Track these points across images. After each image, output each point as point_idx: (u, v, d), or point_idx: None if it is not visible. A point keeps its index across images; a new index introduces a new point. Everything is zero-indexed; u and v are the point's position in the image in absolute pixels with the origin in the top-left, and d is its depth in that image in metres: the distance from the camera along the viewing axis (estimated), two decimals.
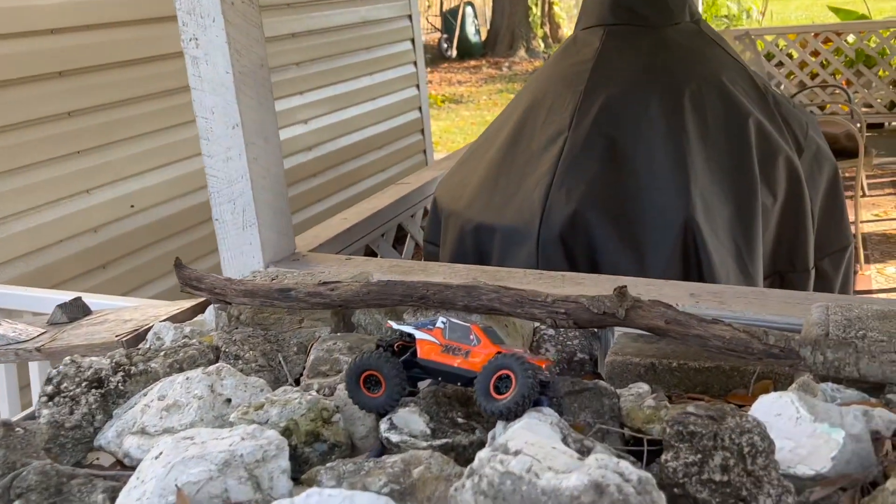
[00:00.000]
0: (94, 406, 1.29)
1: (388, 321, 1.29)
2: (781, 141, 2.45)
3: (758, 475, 1.00)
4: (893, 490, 0.94)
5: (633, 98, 2.43)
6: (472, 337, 1.21)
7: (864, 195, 5.76)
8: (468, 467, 0.94)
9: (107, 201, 3.66)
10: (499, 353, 1.18)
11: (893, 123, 7.84)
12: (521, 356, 1.14)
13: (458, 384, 1.23)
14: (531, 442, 0.96)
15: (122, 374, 1.35)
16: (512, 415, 1.11)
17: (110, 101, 3.68)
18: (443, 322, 1.22)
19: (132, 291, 3.72)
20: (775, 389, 1.26)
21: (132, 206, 3.79)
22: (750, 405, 1.17)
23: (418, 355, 1.22)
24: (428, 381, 1.31)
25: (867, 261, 4.87)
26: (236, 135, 2.17)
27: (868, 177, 6.01)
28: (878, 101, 7.76)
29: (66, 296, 1.91)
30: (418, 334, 1.23)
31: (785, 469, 1.04)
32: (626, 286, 1.35)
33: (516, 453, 0.92)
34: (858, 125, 4.99)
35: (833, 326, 1.33)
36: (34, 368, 2.08)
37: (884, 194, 6.15)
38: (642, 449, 1.18)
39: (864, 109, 6.66)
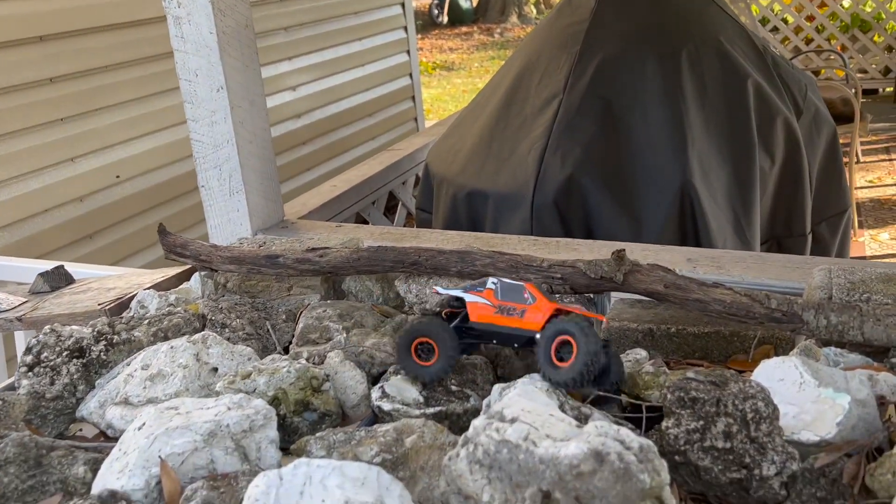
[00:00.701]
0: (75, 376, 1.25)
1: (435, 287, 1.22)
2: (780, 103, 2.40)
3: (761, 442, 0.97)
4: None
5: (630, 59, 2.37)
6: (526, 296, 1.14)
7: (858, 162, 5.73)
8: (462, 436, 0.91)
9: (92, 170, 3.59)
10: (557, 310, 1.13)
11: (888, 89, 7.79)
12: (582, 318, 1.08)
13: (515, 346, 1.17)
14: (528, 409, 0.92)
15: (104, 343, 1.30)
16: (577, 384, 1.06)
17: (93, 67, 3.58)
18: (493, 283, 1.16)
19: (119, 262, 3.66)
20: (776, 355, 1.23)
21: (118, 177, 3.71)
22: (750, 371, 1.14)
23: (471, 319, 1.16)
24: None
25: (861, 227, 4.85)
26: (221, 97, 2.10)
27: (862, 143, 5.97)
28: (874, 66, 7.70)
29: (50, 265, 1.86)
30: (469, 297, 1.16)
31: (789, 435, 1.01)
32: (624, 249, 1.31)
33: (513, 421, 0.88)
34: (854, 90, 4.94)
35: (836, 289, 1.30)
36: (20, 339, 2.04)
37: (878, 160, 6.12)
38: (641, 416, 1.15)
39: (858, 75, 6.59)
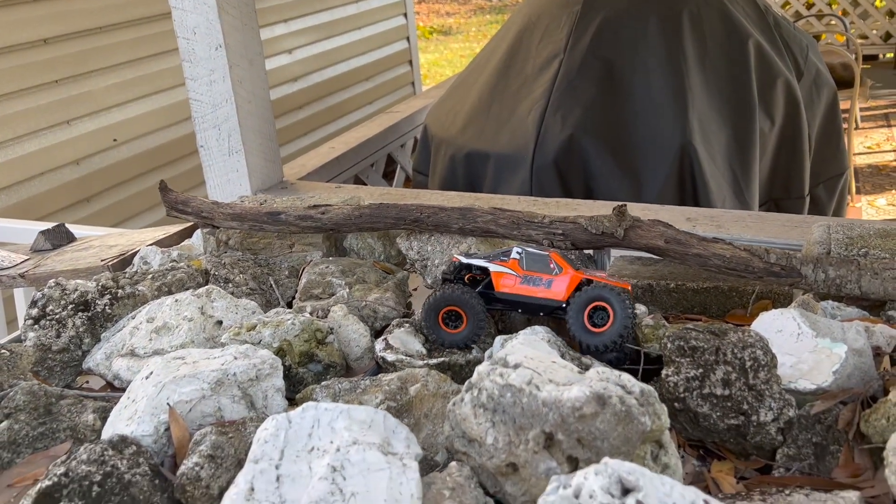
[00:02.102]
0: (81, 329, 1.26)
1: (455, 255, 1.22)
2: (781, 64, 2.39)
3: (759, 389, 0.99)
4: None
5: (631, 19, 2.35)
6: (552, 265, 1.15)
7: (857, 127, 5.72)
8: (467, 382, 0.92)
9: (88, 133, 3.56)
10: (584, 279, 1.13)
11: (888, 55, 7.74)
12: (615, 287, 1.09)
13: (541, 314, 1.18)
14: (531, 356, 0.94)
15: (108, 297, 1.31)
16: (612, 349, 1.08)
17: (87, 28, 3.54)
18: (518, 253, 1.16)
19: (117, 225, 3.65)
20: (772, 309, 1.24)
21: (115, 140, 3.69)
22: (748, 325, 1.15)
23: (496, 289, 1.17)
24: None
25: (858, 193, 4.86)
26: (219, 56, 2.09)
27: (861, 109, 5.96)
28: (874, 32, 7.63)
29: (50, 226, 1.86)
30: (493, 267, 1.17)
31: (786, 384, 1.03)
32: (625, 205, 1.31)
33: (516, 366, 0.90)
34: (854, 56, 4.91)
35: (835, 245, 1.31)
36: (20, 299, 2.04)
37: (877, 126, 6.10)
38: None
39: (859, 41, 6.54)
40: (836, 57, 4.83)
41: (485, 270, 1.19)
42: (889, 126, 6.09)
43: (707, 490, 0.94)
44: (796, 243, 1.60)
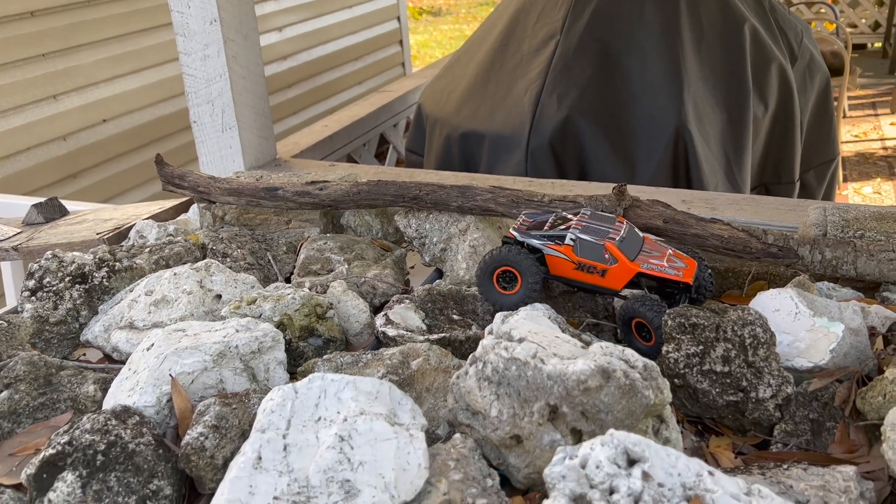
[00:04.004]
0: (78, 301, 1.25)
1: (511, 230, 1.20)
2: (776, 49, 2.40)
3: (758, 366, 1.00)
4: (893, 379, 0.95)
5: (628, 1, 2.34)
6: (607, 256, 1.13)
7: (845, 116, 5.76)
8: (471, 355, 0.93)
9: (76, 108, 3.52)
10: (639, 274, 1.12)
11: (876, 44, 7.78)
12: (650, 303, 1.09)
13: (597, 296, 1.20)
14: (534, 331, 0.94)
15: (106, 269, 1.30)
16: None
17: (76, 1, 3.48)
18: (572, 240, 1.14)
19: (105, 202, 3.62)
20: (768, 290, 1.25)
21: (104, 121, 3.65)
22: (744, 304, 1.17)
23: (551, 272, 1.16)
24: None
25: (845, 181, 4.90)
26: (214, 31, 2.06)
27: (849, 98, 6.00)
28: (864, 21, 7.67)
29: (39, 201, 1.83)
30: (547, 250, 1.15)
31: (783, 362, 1.04)
32: (625, 184, 1.32)
33: (521, 340, 0.91)
34: (843, 44, 4.93)
35: (831, 227, 1.32)
36: (7, 272, 2.02)
37: (864, 115, 6.15)
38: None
39: (848, 29, 6.57)
40: (826, 45, 4.86)
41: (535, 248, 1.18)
42: (876, 115, 6.14)
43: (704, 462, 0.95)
44: (790, 226, 1.62)
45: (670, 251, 1.16)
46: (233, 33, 2.10)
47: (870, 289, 1.28)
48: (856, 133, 5.80)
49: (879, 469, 0.91)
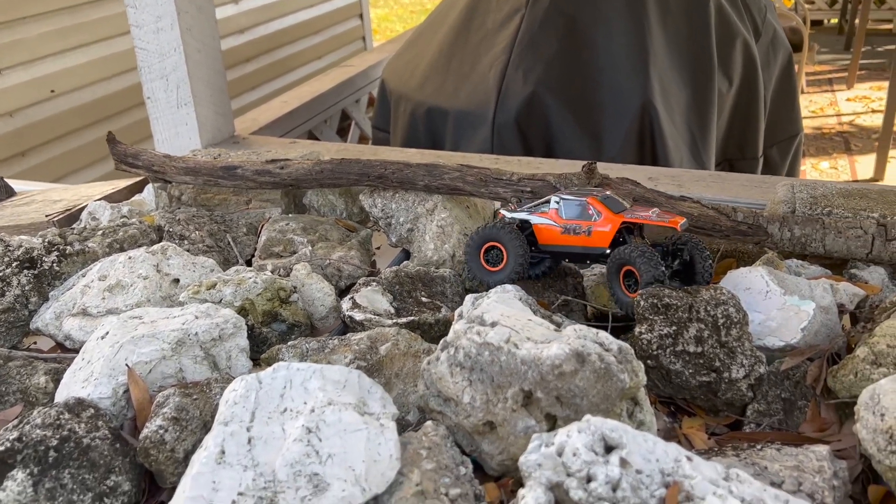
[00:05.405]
0: (26, 287, 1.19)
1: (501, 210, 1.19)
2: (740, 24, 2.39)
3: (731, 346, 0.99)
4: (864, 357, 0.95)
5: None
6: (591, 212, 1.12)
7: (802, 92, 5.83)
8: (442, 340, 0.90)
9: (22, 83, 3.37)
10: (624, 223, 1.09)
11: (833, 20, 7.89)
12: (642, 248, 1.05)
13: (588, 262, 1.16)
14: (507, 314, 0.92)
15: (56, 253, 1.24)
16: None
17: None
18: (556, 202, 1.13)
19: (56, 181, 3.49)
20: (737, 269, 1.25)
21: (52, 91, 3.50)
22: (714, 283, 1.16)
23: (539, 242, 1.14)
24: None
25: (803, 156, 4.97)
26: (167, 2, 1.98)
27: (806, 74, 6.07)
28: None
29: None
30: (534, 219, 1.14)
31: (755, 341, 1.04)
32: (594, 163, 1.30)
33: (493, 325, 0.88)
34: (802, 20, 4.98)
35: (800, 204, 1.32)
36: None
37: (820, 91, 6.24)
38: (606, 325, 1.16)
39: (806, 6, 6.64)
40: (785, 21, 4.89)
41: (527, 223, 1.16)
42: (833, 91, 6.24)
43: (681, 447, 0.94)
44: (757, 203, 1.62)
45: (657, 209, 1.16)
46: (186, 4, 2.01)
47: (837, 266, 1.28)
48: (813, 109, 5.89)
49: (851, 447, 0.91)
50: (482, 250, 1.17)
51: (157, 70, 2.08)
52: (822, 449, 0.85)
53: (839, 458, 0.86)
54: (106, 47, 3.70)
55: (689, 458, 0.72)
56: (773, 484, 0.80)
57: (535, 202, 1.17)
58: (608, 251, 1.11)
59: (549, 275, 1.24)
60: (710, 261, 1.11)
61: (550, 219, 1.14)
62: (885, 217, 1.26)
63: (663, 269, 1.04)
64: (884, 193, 1.35)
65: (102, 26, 3.66)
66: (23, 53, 3.38)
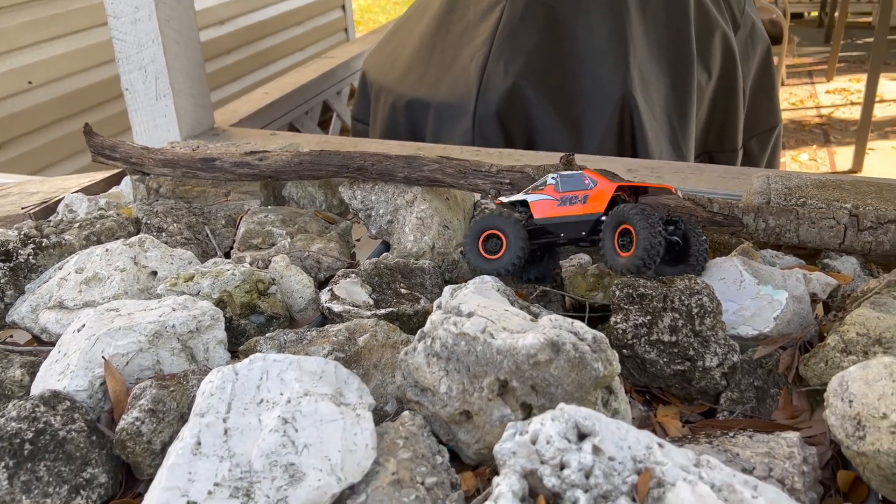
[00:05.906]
0: (2, 280, 1.18)
1: (499, 198, 1.19)
2: (719, 16, 2.41)
3: (705, 335, 1.00)
4: (834, 345, 0.96)
5: None
6: (587, 181, 1.12)
7: (782, 84, 5.88)
8: (419, 331, 0.91)
9: None
10: (620, 188, 1.09)
11: (813, 14, 7.95)
12: (642, 208, 1.05)
13: (583, 234, 1.14)
14: (483, 304, 0.92)
15: (32, 246, 1.23)
16: (639, 271, 1.04)
17: None
18: (553, 178, 1.14)
19: (33, 174, 3.45)
20: (713, 258, 1.27)
21: (30, 83, 3.46)
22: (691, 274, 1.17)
23: (534, 216, 1.14)
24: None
25: (782, 148, 5.02)
26: None
27: (787, 67, 6.12)
28: None
29: None
30: (531, 198, 1.15)
31: (729, 330, 1.05)
32: (573, 154, 1.30)
33: (470, 315, 0.89)
34: (782, 12, 5.02)
35: (774, 195, 1.34)
36: None
37: (800, 83, 6.29)
38: (584, 315, 1.17)
39: None
40: (765, 13, 4.92)
41: (524, 203, 1.17)
42: (812, 83, 6.29)
43: (654, 434, 0.96)
44: (734, 194, 1.63)
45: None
46: None
47: (810, 256, 1.30)
48: (793, 101, 5.94)
49: (821, 433, 0.92)
50: (480, 239, 1.17)
51: (136, 61, 2.06)
52: (793, 435, 0.87)
53: (809, 445, 0.87)
54: (84, 38, 3.66)
55: (660, 445, 0.73)
56: (744, 470, 0.81)
57: (532, 185, 1.18)
58: (604, 217, 1.11)
59: (543, 281, 1.23)
60: (707, 245, 1.12)
61: (547, 193, 1.15)
62: (857, 208, 1.27)
63: (661, 229, 1.03)
64: (857, 185, 1.37)
65: (80, 16, 3.62)
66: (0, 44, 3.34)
